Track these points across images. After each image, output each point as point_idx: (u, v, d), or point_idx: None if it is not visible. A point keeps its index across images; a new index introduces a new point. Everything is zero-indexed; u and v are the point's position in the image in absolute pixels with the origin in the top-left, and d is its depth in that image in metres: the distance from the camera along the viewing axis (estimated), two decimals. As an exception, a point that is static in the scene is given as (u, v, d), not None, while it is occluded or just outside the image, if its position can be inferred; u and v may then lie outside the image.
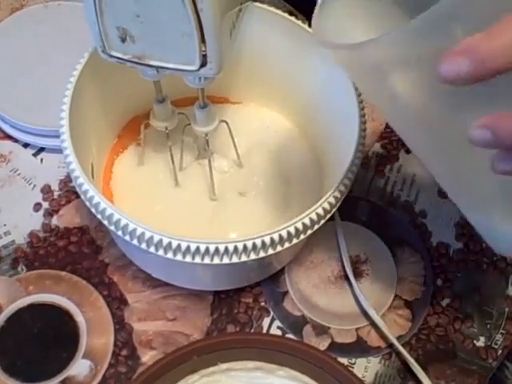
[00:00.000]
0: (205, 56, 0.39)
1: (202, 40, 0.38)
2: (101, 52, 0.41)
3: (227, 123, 0.51)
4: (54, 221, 0.56)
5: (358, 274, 0.56)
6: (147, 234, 0.41)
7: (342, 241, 0.56)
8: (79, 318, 0.52)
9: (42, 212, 0.56)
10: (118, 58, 0.41)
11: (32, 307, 0.52)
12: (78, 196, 0.56)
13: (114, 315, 0.52)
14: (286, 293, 0.55)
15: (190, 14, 0.37)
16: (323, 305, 0.55)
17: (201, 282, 0.52)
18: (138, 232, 0.41)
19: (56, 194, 0.57)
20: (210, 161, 0.51)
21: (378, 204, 0.60)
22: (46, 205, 0.57)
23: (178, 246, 0.41)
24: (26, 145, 0.59)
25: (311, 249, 0.57)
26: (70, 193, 0.57)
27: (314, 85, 0.53)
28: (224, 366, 0.44)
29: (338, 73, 0.49)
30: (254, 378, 0.43)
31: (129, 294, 0.53)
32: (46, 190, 0.57)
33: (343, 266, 0.56)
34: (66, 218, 0.56)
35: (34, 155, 0.59)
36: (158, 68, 0.41)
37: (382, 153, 0.62)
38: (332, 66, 0.49)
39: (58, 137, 0.46)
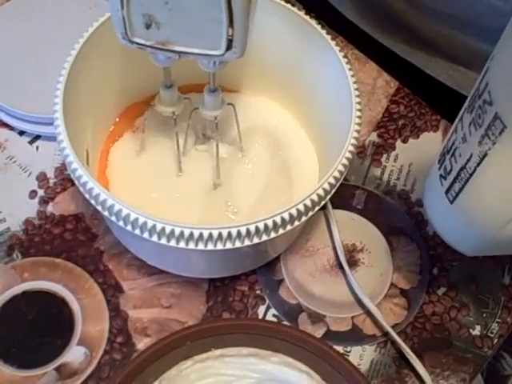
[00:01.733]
0: (231, 40, 0.39)
1: (230, 25, 0.38)
2: (121, 38, 0.41)
3: (234, 106, 0.51)
4: (50, 208, 0.56)
5: (353, 263, 0.56)
6: (141, 220, 0.41)
7: (335, 229, 0.56)
8: (74, 305, 0.52)
9: (37, 199, 0.56)
10: (140, 44, 0.41)
11: (27, 294, 0.52)
12: (73, 184, 0.56)
13: (109, 302, 0.52)
14: (281, 281, 0.55)
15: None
16: (319, 293, 0.55)
17: (196, 270, 0.52)
18: (132, 217, 0.41)
19: (51, 181, 0.57)
20: (217, 145, 0.51)
21: (375, 193, 0.60)
22: (41, 192, 0.57)
23: (172, 232, 0.41)
24: (21, 132, 0.59)
25: (307, 237, 0.57)
26: (65, 180, 0.57)
27: (311, 73, 0.53)
28: (218, 351, 0.44)
29: (335, 61, 0.49)
30: (248, 364, 0.43)
31: (124, 282, 0.53)
32: (42, 178, 0.57)
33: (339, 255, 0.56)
34: (62, 206, 0.56)
35: (30, 143, 0.59)
36: (181, 53, 0.41)
37: (379, 142, 0.62)
38: (329, 54, 0.49)
39: (53, 124, 0.45)
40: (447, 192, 0.43)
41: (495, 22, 0.50)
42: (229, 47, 0.40)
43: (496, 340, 0.54)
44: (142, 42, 0.41)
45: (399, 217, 0.59)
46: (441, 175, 0.44)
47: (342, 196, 0.59)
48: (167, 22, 0.39)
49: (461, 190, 0.41)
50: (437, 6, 0.55)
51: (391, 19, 0.62)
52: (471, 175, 0.39)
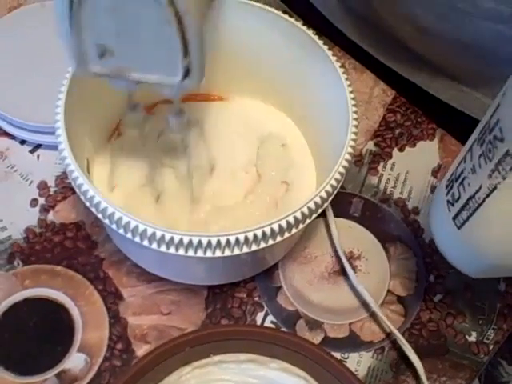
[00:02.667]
0: (187, 68, 0.39)
1: (185, 53, 0.38)
2: (75, 67, 0.40)
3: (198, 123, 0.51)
4: (50, 216, 0.57)
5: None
6: (141, 227, 0.41)
7: (336, 235, 0.56)
8: (74, 312, 0.53)
9: (38, 208, 0.57)
10: (96, 72, 0.40)
11: (28, 301, 0.53)
12: (74, 192, 0.57)
13: (109, 309, 0.53)
14: (279, 288, 0.55)
15: (171, 22, 0.36)
16: (317, 300, 0.55)
17: (195, 277, 0.52)
18: (132, 225, 0.41)
19: (52, 190, 0.58)
20: (188, 164, 0.51)
21: (372, 201, 0.60)
22: (42, 201, 0.57)
23: (171, 239, 0.41)
24: (22, 141, 0.60)
25: (305, 245, 0.57)
26: (66, 189, 0.58)
27: (309, 83, 0.54)
28: (217, 357, 0.44)
29: (332, 71, 0.50)
30: (247, 370, 0.44)
31: (124, 289, 0.54)
32: (43, 186, 0.58)
33: (337, 262, 0.57)
34: (62, 214, 0.57)
35: (31, 152, 0.60)
36: (138, 82, 0.41)
37: (376, 150, 0.63)
38: (326, 64, 0.50)
39: (54, 133, 0.46)
40: (455, 218, 0.43)
41: (501, 46, 0.51)
42: (186, 74, 0.39)
43: (492, 346, 0.55)
44: (98, 70, 0.40)
45: (396, 224, 0.59)
46: (448, 201, 0.44)
47: (340, 204, 0.60)
48: (121, 51, 0.39)
49: (468, 218, 0.42)
50: (442, 31, 0.56)
51: (393, 41, 0.62)
52: (480, 205, 0.40)
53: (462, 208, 0.42)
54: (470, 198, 0.41)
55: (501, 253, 0.41)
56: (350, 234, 0.58)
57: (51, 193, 0.58)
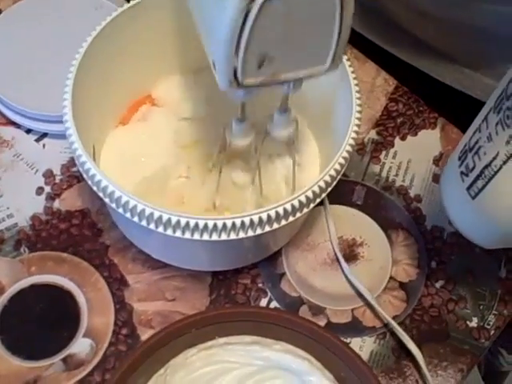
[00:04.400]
0: (335, 52, 0.38)
1: (339, 35, 0.37)
2: (227, 86, 0.38)
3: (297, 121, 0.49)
4: (56, 204, 0.57)
5: (353, 257, 0.57)
6: (147, 211, 0.42)
7: (331, 224, 0.57)
8: (80, 299, 0.53)
9: (44, 196, 0.58)
10: (249, 85, 0.38)
11: (34, 287, 0.53)
12: (79, 180, 0.57)
13: (114, 295, 0.54)
14: (283, 274, 0.56)
15: (337, 10, 0.35)
16: (319, 286, 0.56)
17: (199, 263, 0.53)
18: (139, 208, 0.42)
19: (58, 178, 0.58)
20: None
21: (374, 189, 0.61)
22: (48, 189, 0.58)
23: (178, 222, 0.42)
24: (28, 130, 0.60)
25: (308, 232, 0.58)
26: (71, 177, 0.59)
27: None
28: (222, 340, 0.45)
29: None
30: (251, 352, 0.44)
31: (129, 275, 0.55)
32: (48, 175, 0.58)
33: (340, 249, 0.57)
34: (68, 202, 0.58)
35: (37, 141, 0.60)
36: (285, 81, 0.39)
37: (378, 139, 0.64)
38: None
39: (60, 122, 0.47)
40: (469, 188, 0.44)
41: (501, 27, 0.51)
42: (333, 59, 0.39)
43: (493, 332, 0.55)
44: (252, 82, 0.38)
45: (398, 212, 0.60)
46: (462, 172, 0.45)
47: (342, 192, 0.60)
48: (281, 55, 0.37)
49: (484, 186, 0.42)
50: (441, 14, 0.56)
51: (394, 26, 0.63)
52: (496, 173, 0.40)
53: (477, 177, 0.42)
54: (486, 167, 0.41)
55: None
56: (353, 222, 0.59)
57: (57, 181, 0.58)
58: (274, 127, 0.48)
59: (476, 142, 0.43)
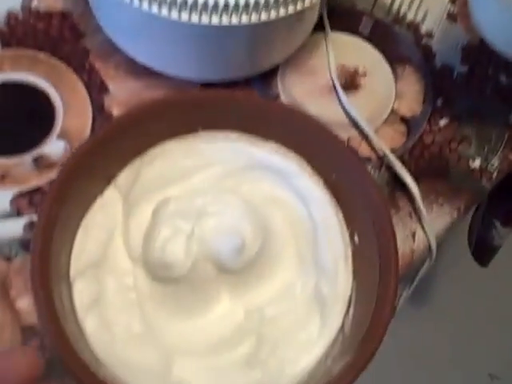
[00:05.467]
0: None
1: None
2: None
3: None
4: (35, 3, 0.52)
5: (354, 86, 0.53)
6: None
7: (330, 47, 0.53)
8: (56, 100, 0.49)
9: (22, -7, 0.52)
10: None
11: (6, 86, 0.49)
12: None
13: (93, 101, 0.50)
14: (276, 97, 0.52)
15: None
16: (315, 113, 0.52)
17: (186, 68, 0.48)
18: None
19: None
20: None
21: (383, 21, 0.56)
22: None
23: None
24: None
25: (308, 56, 0.54)
26: (53, -22, 0.53)
27: None
28: (205, 133, 0.41)
29: None
30: (237, 148, 0.41)
31: (110, 81, 0.50)
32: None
33: (339, 77, 0.53)
34: (47, 2, 0.52)
35: None
36: None
37: (391, -31, 0.58)
38: None
39: None
40: None
41: None
42: None
43: (495, 174, 0.52)
44: None
45: (406, 46, 0.55)
46: None
47: (349, 21, 0.56)
48: None
49: None
50: None
51: None
52: None
53: None
54: None
55: None
56: (357, 51, 0.55)
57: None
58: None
59: None
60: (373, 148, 0.51)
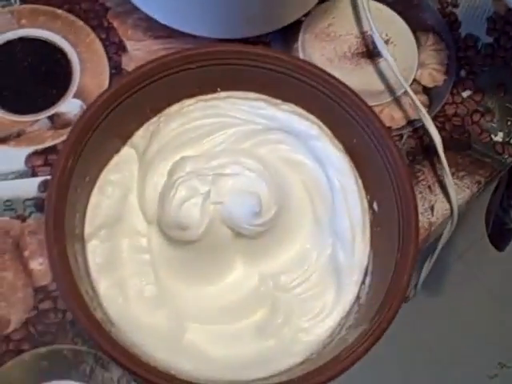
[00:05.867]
0: None
1: None
2: None
3: None
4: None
5: (376, 54, 0.52)
6: None
7: (369, 15, 0.51)
8: (73, 58, 0.48)
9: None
10: None
11: (23, 41, 0.49)
12: None
13: (110, 60, 0.49)
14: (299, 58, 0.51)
15: None
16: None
17: (203, 24, 0.47)
18: None
19: None
20: None
21: (408, -13, 0.55)
22: None
23: None
24: None
25: (329, 22, 0.52)
26: None
27: None
28: (224, 93, 0.40)
29: None
30: (256, 109, 0.40)
31: (128, 41, 0.50)
32: None
33: (362, 44, 0.52)
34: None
35: None
36: None
37: None
38: None
39: None
40: None
41: None
42: None
43: (518, 149, 0.51)
44: None
45: (431, 14, 0.54)
46: None
47: (372, -14, 0.54)
48: None
49: None
50: None
51: None
52: None
53: None
54: None
55: None
56: (380, 18, 0.53)
57: None
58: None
59: None
60: (393, 118, 0.50)
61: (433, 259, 0.49)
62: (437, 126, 0.50)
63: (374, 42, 0.52)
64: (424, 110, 0.47)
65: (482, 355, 1.15)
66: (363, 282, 0.39)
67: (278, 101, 0.40)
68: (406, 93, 0.51)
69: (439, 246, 0.49)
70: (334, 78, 0.38)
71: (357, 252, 0.40)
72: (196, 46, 0.42)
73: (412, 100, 0.47)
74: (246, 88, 0.40)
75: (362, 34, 0.52)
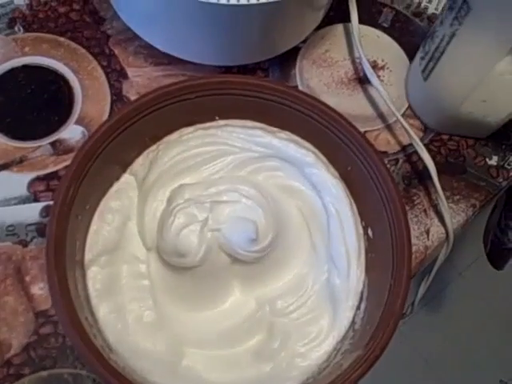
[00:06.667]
0: None
1: None
2: None
3: None
4: (57, -13, 0.52)
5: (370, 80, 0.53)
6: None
7: (358, 41, 0.52)
8: (75, 85, 0.49)
9: (43, -23, 0.53)
10: None
11: (26, 68, 0.50)
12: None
13: (111, 86, 0.50)
14: (295, 87, 0.52)
15: None
16: (333, 105, 0.51)
17: (203, 53, 0.48)
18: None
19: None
20: None
21: (403, 13, 0.56)
22: (48, -28, 0.53)
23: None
24: None
25: (326, 48, 0.53)
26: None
27: None
28: (222, 121, 0.41)
29: None
30: (253, 137, 0.41)
31: (129, 68, 0.51)
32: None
33: (358, 70, 0.53)
34: (70, -13, 0.53)
35: None
36: None
37: (415, -38, 0.58)
38: None
39: None
40: (423, 71, 0.48)
41: None
42: None
43: (512, 172, 0.51)
44: None
45: (427, 40, 0.55)
46: (421, 57, 0.48)
47: (369, 12, 0.55)
48: None
49: (433, 68, 0.46)
50: None
51: None
52: (442, 54, 0.45)
53: (430, 60, 0.47)
54: (436, 49, 0.45)
55: (454, 101, 0.46)
56: (376, 44, 0.54)
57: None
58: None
59: (434, 28, 0.47)
60: (389, 142, 0.51)
61: (429, 280, 0.50)
62: (432, 150, 0.51)
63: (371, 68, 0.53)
64: (417, 138, 0.47)
65: (483, 372, 1.15)
66: (358, 308, 0.40)
67: (275, 129, 0.41)
68: (401, 117, 0.52)
69: (435, 268, 0.50)
70: (326, 106, 0.39)
71: (352, 277, 0.40)
72: (194, 77, 0.43)
73: (404, 128, 0.47)
74: (244, 116, 0.41)
75: (356, 60, 0.53)
